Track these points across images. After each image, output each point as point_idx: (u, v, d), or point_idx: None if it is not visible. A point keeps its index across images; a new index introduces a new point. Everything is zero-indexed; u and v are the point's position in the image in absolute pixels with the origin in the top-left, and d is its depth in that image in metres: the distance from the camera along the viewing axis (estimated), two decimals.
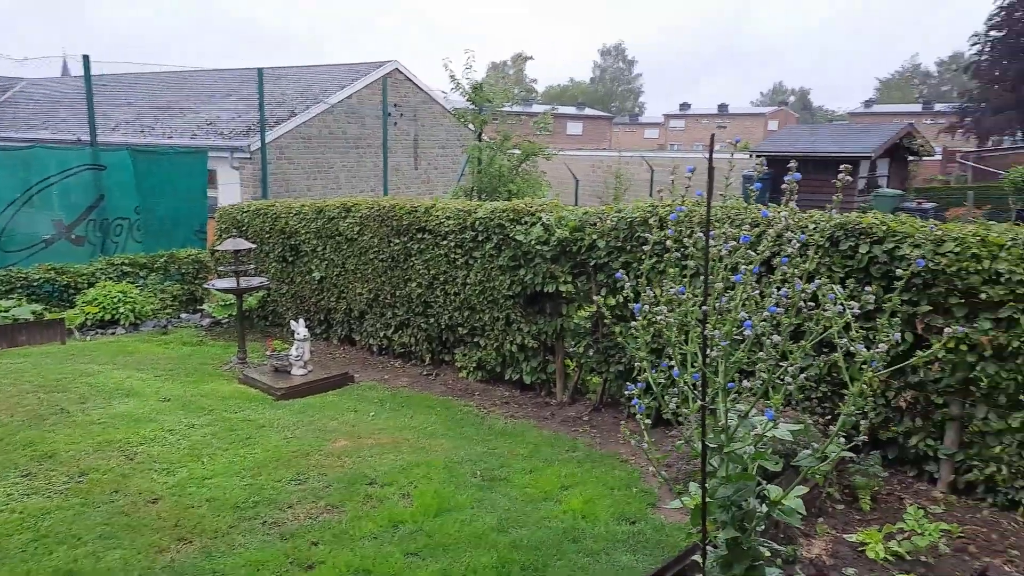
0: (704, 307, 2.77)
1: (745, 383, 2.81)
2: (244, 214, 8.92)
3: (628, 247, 5.58)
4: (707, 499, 2.82)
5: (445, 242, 6.73)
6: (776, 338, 2.67)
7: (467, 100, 12.92)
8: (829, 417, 4.92)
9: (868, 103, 71.57)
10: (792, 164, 2.77)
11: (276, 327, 8.76)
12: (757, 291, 2.72)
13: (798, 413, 4.59)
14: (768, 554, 2.75)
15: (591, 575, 3.57)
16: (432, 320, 7.01)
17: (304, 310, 8.34)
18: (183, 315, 9.44)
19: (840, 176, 2.58)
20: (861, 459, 4.56)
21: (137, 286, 9.25)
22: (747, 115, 66.06)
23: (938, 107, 58.64)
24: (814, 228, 4.79)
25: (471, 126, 13.63)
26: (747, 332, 2.59)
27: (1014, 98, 35.74)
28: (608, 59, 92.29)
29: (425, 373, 7.04)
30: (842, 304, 2.68)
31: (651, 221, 5.42)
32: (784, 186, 2.86)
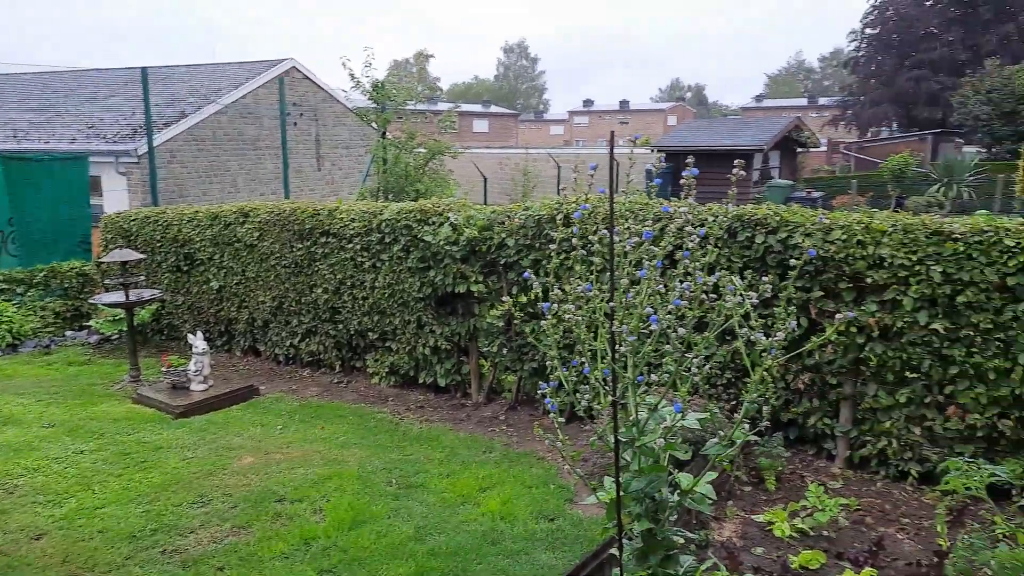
0: (611, 303, 2.79)
1: (653, 376, 2.85)
2: (132, 222, 8.39)
3: (537, 245, 5.59)
4: (621, 493, 2.84)
5: (351, 245, 6.55)
6: (681, 331, 2.72)
7: (368, 99, 12.66)
8: (735, 403, 5.10)
9: (759, 98, 75.17)
10: (689, 159, 2.81)
11: (173, 341, 8.29)
12: (661, 285, 2.75)
13: (705, 401, 4.72)
14: (682, 542, 2.79)
15: None
16: (341, 326, 6.81)
17: (203, 322, 7.93)
18: (68, 333, 8.78)
19: (735, 171, 2.64)
20: (765, 441, 4.74)
21: (14, 303, 8.54)
22: (647, 111, 68.06)
23: (822, 101, 62.31)
24: (713, 220, 4.94)
25: (374, 125, 13.37)
26: (653, 326, 2.62)
27: (889, 92, 38.41)
28: (512, 56, 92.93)
29: (336, 381, 6.83)
30: (741, 294, 2.76)
31: (558, 218, 5.44)
32: (682, 180, 2.91)
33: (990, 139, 25.09)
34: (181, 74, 17.06)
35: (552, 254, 3.88)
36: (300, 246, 6.90)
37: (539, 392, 5.94)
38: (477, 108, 61.72)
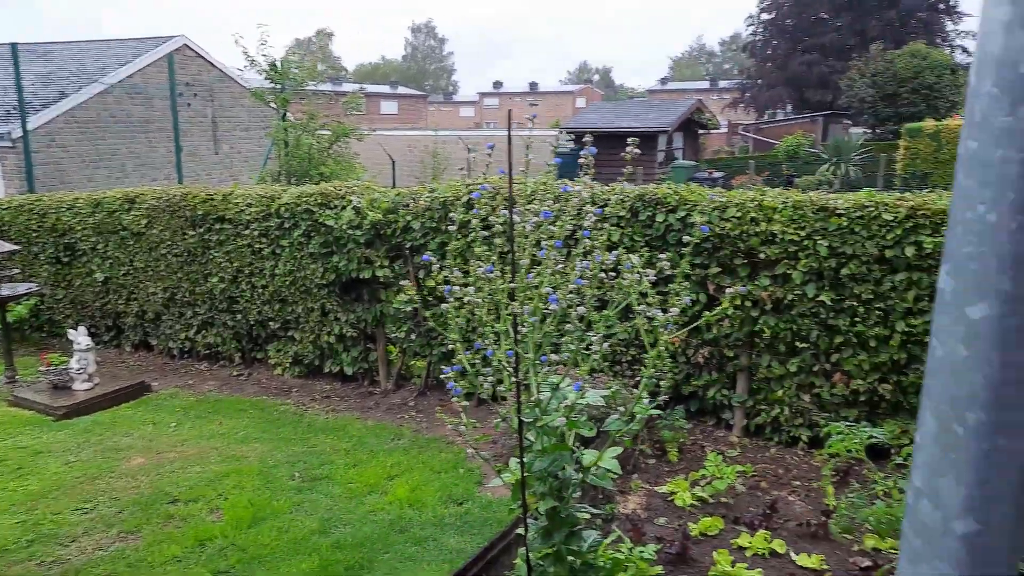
0: (512, 284, 2.76)
1: (555, 356, 2.85)
2: (4, 211, 7.73)
3: (443, 227, 5.50)
4: (525, 473, 2.84)
5: (248, 231, 6.26)
6: (581, 309, 2.73)
7: (265, 78, 12.13)
8: (639, 379, 5.21)
9: (663, 80, 77.17)
10: (587, 138, 2.81)
11: (55, 337, 7.72)
12: (561, 265, 2.75)
13: (609, 378, 4.80)
14: (587, 517, 2.81)
15: (419, 563, 3.50)
16: (240, 316, 6.52)
17: (87, 316, 7.42)
18: None
19: (628, 150, 2.65)
20: (667, 415, 4.87)
21: None
22: (556, 93, 68.63)
23: (723, 84, 64.56)
24: (617, 200, 5.00)
25: (273, 105, 12.84)
26: (553, 306, 2.61)
27: (784, 75, 40.17)
28: (419, 36, 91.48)
29: (236, 374, 6.55)
30: (639, 272, 2.79)
31: (464, 200, 5.38)
32: (581, 160, 2.90)
33: (874, 120, 26.69)
34: (59, 51, 15.85)
35: (454, 236, 3.82)
36: (193, 233, 6.54)
37: (443, 376, 5.92)
38: (385, 89, 60.44)
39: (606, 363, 5.01)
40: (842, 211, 4.37)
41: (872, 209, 4.29)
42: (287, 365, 6.38)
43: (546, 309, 2.76)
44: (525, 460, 2.76)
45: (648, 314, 2.66)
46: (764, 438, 4.90)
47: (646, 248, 4.93)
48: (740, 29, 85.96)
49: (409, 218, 5.60)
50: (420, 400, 5.85)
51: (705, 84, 68.65)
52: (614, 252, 2.82)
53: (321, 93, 14.15)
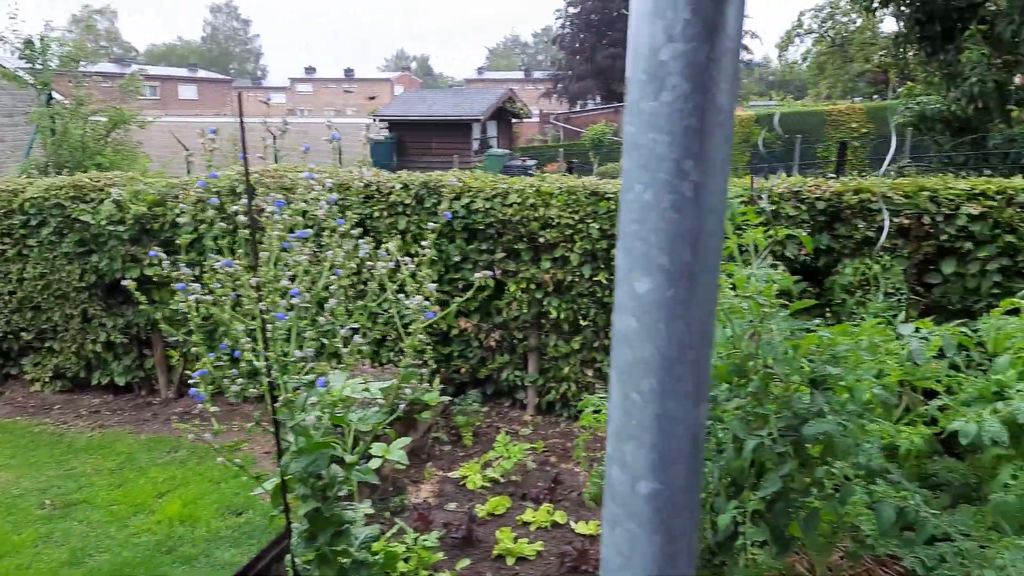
0: (255, 279, 2.60)
1: (311, 351, 2.74)
2: None
3: (218, 220, 5.11)
4: (285, 476, 2.70)
5: None
6: (332, 301, 2.63)
7: (19, 57, 10.67)
8: (436, 367, 5.21)
9: (480, 70, 78.26)
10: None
11: None
12: (305, 257, 2.63)
13: (398, 369, 4.74)
14: (353, 516, 2.73)
15: None
16: None
17: None
18: None
19: (366, 133, 2.58)
20: (461, 400, 4.92)
21: None
22: (373, 80, 67.19)
23: (537, 74, 66.72)
24: (402, 188, 4.94)
25: (35, 88, 11.35)
26: (295, 300, 2.49)
27: (591, 67, 42.26)
28: (220, 17, 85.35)
29: None
30: (397, 260, 2.74)
31: (239, 190, 5.04)
32: (330, 142, 2.79)
33: None
34: None
35: (208, 230, 3.55)
36: None
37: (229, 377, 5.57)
38: (183, 72, 55.79)
39: (362, 356, 4.93)
40: (611, 195, 4.61)
41: None
42: (47, 380, 5.66)
43: (302, 303, 2.63)
44: (283, 462, 2.63)
45: (403, 303, 2.62)
46: (555, 414, 5.10)
47: (438, 236, 4.92)
48: (552, 22, 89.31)
49: (178, 211, 5.16)
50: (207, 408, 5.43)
51: (519, 74, 70.57)
52: (360, 240, 2.76)
53: (94, 75, 12.74)
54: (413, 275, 2.71)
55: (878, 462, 2.35)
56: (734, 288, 2.43)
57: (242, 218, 2.76)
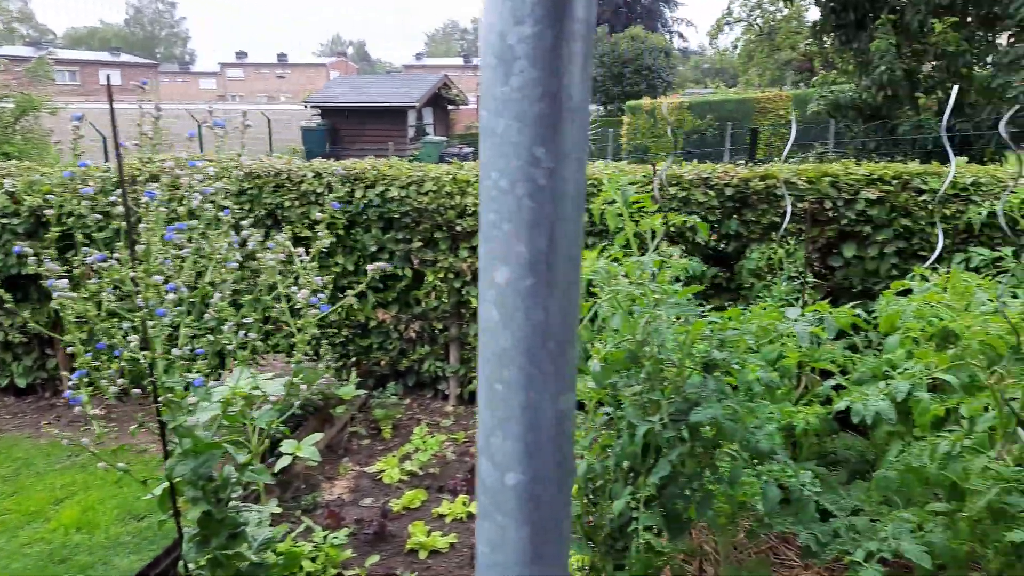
0: (133, 274, 2.48)
1: (199, 350, 2.64)
2: None
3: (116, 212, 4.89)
4: (171, 480, 2.60)
5: None
6: (217, 296, 2.53)
7: None
8: (355, 360, 5.12)
9: (419, 56, 77.27)
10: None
11: None
12: (188, 251, 2.51)
13: (315, 363, 4.63)
14: (245, 520, 2.64)
15: None
16: None
17: None
18: None
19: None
20: (380, 393, 4.84)
21: None
22: (308, 65, 65.57)
23: (475, 60, 66.23)
24: (313, 176, 4.80)
25: None
26: (170, 295, 2.38)
27: None
28: None
29: None
30: (290, 251, 2.65)
31: (141, 180, 4.82)
32: (189, 138, 2.68)
33: (605, 98, 29.08)
34: None
35: (106, 222, 3.38)
36: None
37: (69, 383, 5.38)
38: (104, 56, 53.27)
39: (257, 352, 4.82)
40: None
41: None
42: None
43: (162, 299, 2.53)
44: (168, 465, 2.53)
45: (289, 295, 2.53)
46: (476, 404, 5.06)
47: (353, 226, 4.81)
48: None
49: (75, 203, 4.90)
50: (115, 408, 5.21)
51: (459, 60, 69.99)
52: (244, 231, 2.66)
53: (3, 58, 12.03)
54: (305, 267, 2.62)
55: (767, 444, 2.40)
56: (627, 276, 2.44)
57: (119, 209, 2.63)
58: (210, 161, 2.68)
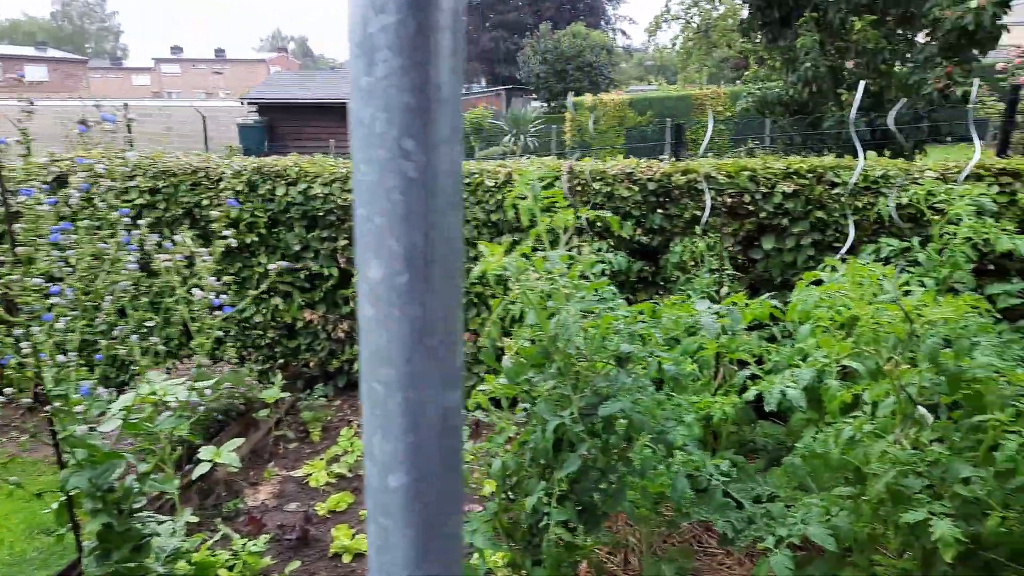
0: (11, 277, 2.35)
1: (81, 355, 2.53)
2: None
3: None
4: (67, 492, 2.48)
5: None
6: (108, 299, 2.42)
7: None
8: (283, 361, 5.00)
9: None
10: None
11: None
12: (71, 252, 2.40)
13: (236, 366, 4.52)
14: (149, 530, 2.54)
15: None
16: None
17: None
18: None
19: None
20: (307, 395, 4.75)
21: None
22: (248, 61, 63.96)
23: None
24: (233, 174, 4.67)
25: None
26: (55, 299, 2.27)
27: (476, 49, 42.13)
28: None
29: None
30: (191, 252, 2.56)
31: (71, 180, 4.62)
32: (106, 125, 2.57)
33: (548, 94, 29.20)
34: None
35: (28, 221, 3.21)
36: None
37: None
38: (30, 51, 50.95)
39: (158, 357, 4.68)
40: (465, 178, 4.55)
41: (477, 176, 4.53)
42: None
43: (47, 305, 2.41)
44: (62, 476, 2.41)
45: (188, 298, 2.44)
46: None
47: (276, 224, 4.70)
48: None
49: None
50: (32, 416, 4.97)
51: None
52: (138, 231, 2.56)
53: None
54: (206, 268, 2.53)
55: (676, 436, 2.42)
56: (535, 271, 2.42)
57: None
58: (100, 159, 2.56)
